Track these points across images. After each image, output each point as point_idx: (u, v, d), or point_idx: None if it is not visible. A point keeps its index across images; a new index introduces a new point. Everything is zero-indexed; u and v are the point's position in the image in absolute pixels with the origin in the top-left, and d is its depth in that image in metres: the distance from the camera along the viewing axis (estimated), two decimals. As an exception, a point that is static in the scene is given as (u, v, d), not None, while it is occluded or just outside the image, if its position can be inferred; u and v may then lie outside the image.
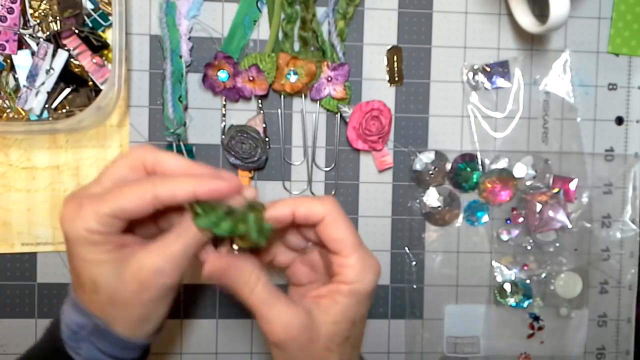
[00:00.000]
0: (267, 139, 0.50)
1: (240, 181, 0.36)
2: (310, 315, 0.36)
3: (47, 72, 0.47)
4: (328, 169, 0.51)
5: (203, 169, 0.37)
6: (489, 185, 0.52)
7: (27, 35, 0.47)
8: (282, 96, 0.50)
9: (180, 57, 0.49)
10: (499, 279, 0.53)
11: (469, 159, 0.52)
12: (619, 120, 0.53)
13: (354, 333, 0.37)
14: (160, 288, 0.35)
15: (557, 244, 0.53)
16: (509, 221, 0.53)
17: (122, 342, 0.36)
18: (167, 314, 0.38)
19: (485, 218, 0.52)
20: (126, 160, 0.36)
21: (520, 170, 0.52)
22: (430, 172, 0.52)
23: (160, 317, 0.37)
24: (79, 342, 0.36)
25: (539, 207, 0.52)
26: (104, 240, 0.34)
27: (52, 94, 0.47)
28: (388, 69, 0.51)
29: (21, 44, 0.47)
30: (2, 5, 0.46)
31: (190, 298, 0.51)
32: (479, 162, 0.52)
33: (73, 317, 0.36)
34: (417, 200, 0.52)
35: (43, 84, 0.47)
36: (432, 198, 0.52)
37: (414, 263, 0.52)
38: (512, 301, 0.53)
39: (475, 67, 0.52)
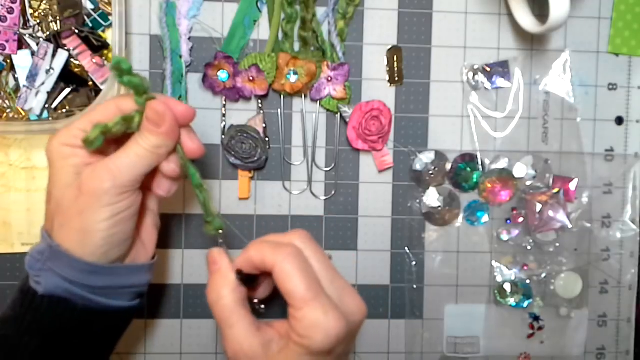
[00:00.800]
0: (267, 139, 0.50)
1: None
2: (266, 348, 0.36)
3: (47, 72, 0.47)
4: (328, 169, 0.51)
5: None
6: (489, 185, 0.52)
7: (27, 35, 0.47)
8: (282, 96, 0.50)
9: (180, 57, 0.49)
10: (499, 279, 0.53)
11: (469, 159, 0.52)
12: (619, 120, 0.53)
13: None
14: (97, 195, 0.36)
15: (557, 244, 0.53)
16: (509, 221, 0.53)
17: (75, 263, 0.37)
18: (127, 240, 0.39)
19: (485, 218, 0.53)
20: (104, 109, 0.39)
21: (520, 170, 0.52)
22: (430, 172, 0.52)
23: (114, 238, 0.37)
24: (39, 271, 0.38)
25: (539, 207, 0.52)
26: (72, 154, 0.38)
27: (52, 94, 0.47)
28: (388, 69, 0.51)
29: (21, 44, 0.47)
30: (2, 5, 0.46)
31: (190, 298, 0.51)
32: (479, 162, 0.52)
33: (36, 247, 0.39)
34: (417, 200, 0.52)
35: (43, 84, 0.47)
36: (432, 198, 0.52)
37: (414, 263, 0.52)
38: (512, 301, 0.53)
39: (475, 67, 0.52)
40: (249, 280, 0.38)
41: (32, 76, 0.47)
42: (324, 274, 0.36)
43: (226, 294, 0.37)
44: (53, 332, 0.38)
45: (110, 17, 0.47)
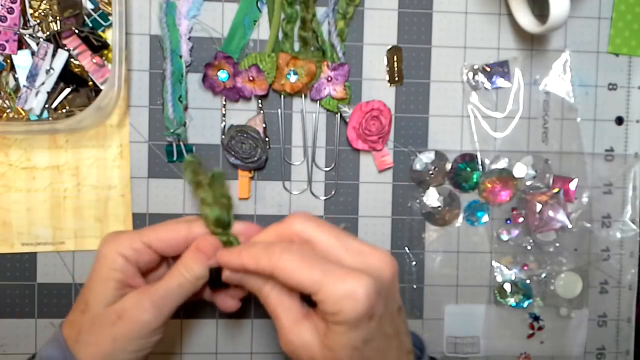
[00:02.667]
0: (267, 139, 0.50)
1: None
2: (314, 334, 0.35)
3: (47, 72, 0.47)
4: (328, 169, 0.51)
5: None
6: (489, 185, 0.52)
7: (27, 35, 0.47)
8: (282, 96, 0.50)
9: (180, 57, 0.49)
10: (499, 279, 0.53)
11: (469, 159, 0.52)
12: (619, 120, 0.53)
13: (359, 356, 0.34)
14: (137, 326, 0.37)
15: (557, 244, 0.53)
16: (509, 221, 0.53)
17: None
18: None
19: (485, 218, 0.53)
20: (174, 230, 0.39)
21: (520, 170, 0.52)
22: (430, 172, 0.52)
23: None
24: None
25: (539, 207, 0.52)
26: (122, 268, 0.37)
27: (52, 94, 0.47)
28: (388, 69, 0.51)
29: (21, 44, 0.47)
30: (2, 5, 0.46)
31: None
32: (479, 162, 0.52)
33: (49, 350, 0.38)
34: (417, 200, 0.52)
35: (43, 84, 0.47)
36: (432, 198, 0.52)
37: (414, 263, 0.52)
38: (512, 301, 0.53)
39: (475, 67, 0.52)
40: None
41: (32, 76, 0.47)
42: (335, 244, 0.35)
43: (268, 288, 0.36)
44: None
45: (110, 17, 0.47)
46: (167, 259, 0.42)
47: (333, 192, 0.51)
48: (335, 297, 0.32)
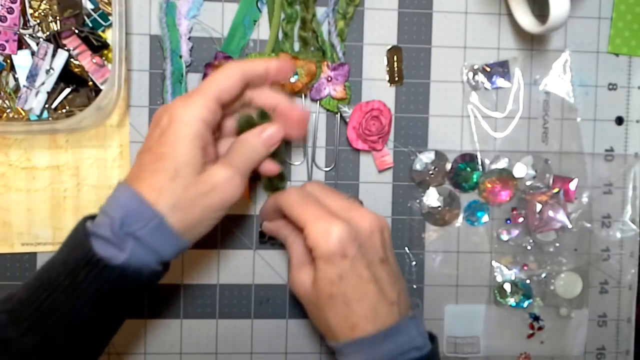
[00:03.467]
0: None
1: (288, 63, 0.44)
2: (309, 275, 0.42)
3: (47, 72, 0.47)
4: (328, 169, 0.51)
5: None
6: (489, 185, 0.52)
7: (27, 35, 0.47)
8: (282, 96, 0.50)
9: (180, 57, 0.49)
10: (499, 279, 0.53)
11: (469, 159, 0.52)
12: (619, 120, 0.53)
13: (337, 291, 0.39)
14: (228, 200, 0.39)
15: (557, 244, 0.53)
16: (509, 221, 0.53)
17: (174, 241, 0.38)
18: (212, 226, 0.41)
19: (485, 218, 0.53)
20: (228, 77, 0.41)
21: (520, 170, 0.52)
22: (430, 172, 0.52)
23: (210, 226, 0.40)
24: (127, 237, 0.37)
25: (539, 207, 0.52)
26: (205, 134, 0.39)
27: (52, 94, 0.47)
28: (388, 69, 0.51)
29: (21, 44, 0.47)
30: (2, 5, 0.46)
31: (190, 298, 0.51)
32: (479, 162, 0.52)
33: (133, 206, 0.37)
34: (417, 200, 0.52)
35: (43, 84, 0.47)
36: (432, 198, 0.52)
37: (414, 263, 0.52)
38: (512, 301, 0.53)
39: (475, 67, 0.52)
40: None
41: (32, 76, 0.47)
42: (329, 201, 0.42)
43: (292, 238, 0.46)
44: (110, 300, 0.38)
45: (110, 17, 0.47)
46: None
47: (333, 192, 0.51)
48: (314, 233, 0.39)
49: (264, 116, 0.43)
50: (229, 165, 0.40)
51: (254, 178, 0.50)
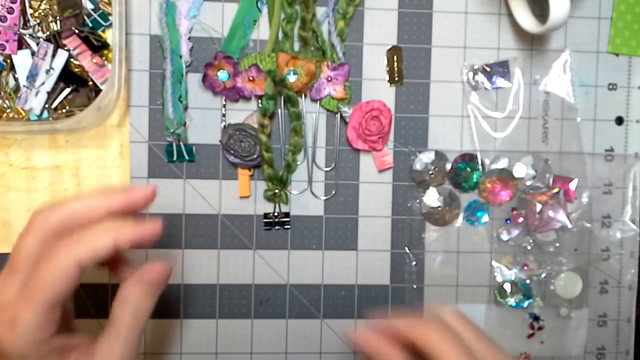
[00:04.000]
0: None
1: (147, 188, 0.36)
2: None
3: (47, 72, 0.47)
4: (328, 169, 0.51)
5: (110, 193, 0.35)
6: (489, 185, 0.52)
7: (27, 35, 0.47)
8: (282, 96, 0.50)
9: (180, 57, 0.49)
10: (499, 279, 0.53)
11: (469, 159, 0.52)
12: (619, 120, 0.53)
13: None
14: None
15: (557, 244, 0.53)
16: (509, 221, 0.53)
17: None
18: None
19: (485, 218, 0.53)
20: (33, 235, 0.33)
21: (520, 170, 0.52)
22: (430, 172, 0.52)
23: None
24: None
25: (539, 207, 0.52)
26: (46, 350, 0.32)
27: (52, 94, 0.47)
28: (388, 69, 0.51)
29: (21, 44, 0.47)
30: (2, 5, 0.46)
31: (190, 298, 0.51)
32: (479, 162, 0.52)
33: None
34: (417, 200, 0.52)
35: (43, 84, 0.47)
36: (432, 198, 0.52)
37: (414, 263, 0.52)
38: (512, 301, 0.53)
39: (475, 67, 0.52)
40: None
41: (32, 76, 0.47)
42: (477, 346, 0.37)
43: None
44: None
45: (110, 17, 0.47)
46: None
47: (333, 192, 0.51)
48: None
49: None
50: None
51: (254, 177, 0.51)
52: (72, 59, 0.47)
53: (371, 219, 0.52)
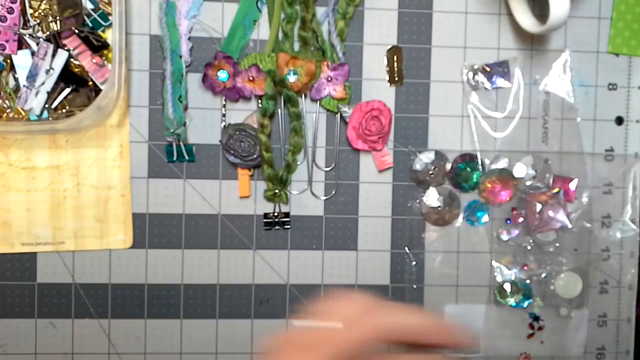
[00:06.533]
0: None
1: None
2: None
3: (47, 72, 0.47)
4: (328, 169, 0.51)
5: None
6: (489, 185, 0.52)
7: (27, 35, 0.47)
8: (282, 96, 0.50)
9: (180, 57, 0.49)
10: (499, 279, 0.53)
11: (469, 159, 0.52)
12: (619, 120, 0.53)
13: None
14: None
15: (557, 244, 0.53)
16: (509, 221, 0.53)
17: None
18: None
19: (485, 218, 0.52)
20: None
21: (520, 170, 0.52)
22: (430, 172, 0.52)
23: None
24: None
25: (539, 207, 0.52)
26: None
27: (52, 94, 0.47)
28: (388, 69, 0.51)
29: (21, 44, 0.47)
30: (2, 5, 0.46)
31: (190, 298, 0.51)
32: (479, 162, 0.52)
33: None
34: (417, 200, 0.52)
35: (43, 84, 0.47)
36: (432, 198, 0.52)
37: (414, 263, 0.52)
38: (512, 301, 0.53)
39: (475, 67, 0.52)
40: None
41: (32, 76, 0.47)
42: None
43: None
44: None
45: (110, 17, 0.47)
46: None
47: (333, 192, 0.51)
48: None
49: None
50: None
51: (254, 177, 0.51)
52: (72, 59, 0.47)
53: (371, 219, 0.52)
